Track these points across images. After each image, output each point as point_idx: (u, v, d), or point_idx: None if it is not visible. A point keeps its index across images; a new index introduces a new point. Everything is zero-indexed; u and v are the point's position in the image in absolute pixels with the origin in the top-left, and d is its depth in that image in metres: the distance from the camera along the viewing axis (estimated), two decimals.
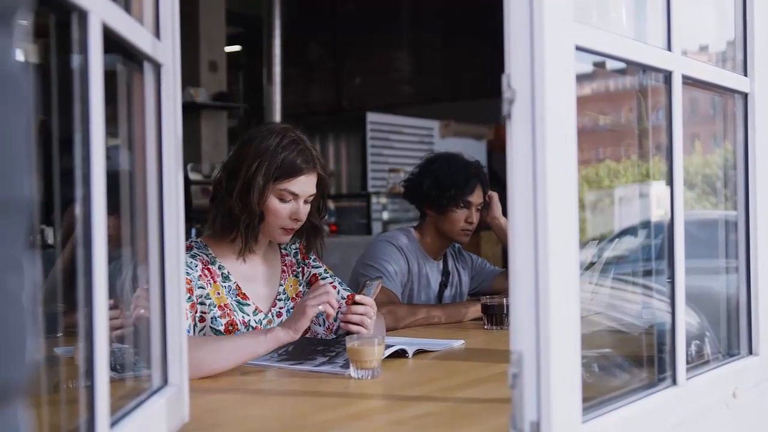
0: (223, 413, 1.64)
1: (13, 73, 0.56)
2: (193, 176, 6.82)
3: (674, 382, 1.51)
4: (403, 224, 6.64)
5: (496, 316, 2.65)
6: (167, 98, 1.37)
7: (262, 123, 2.36)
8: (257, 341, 1.96)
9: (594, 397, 1.33)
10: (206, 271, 2.16)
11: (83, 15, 1.00)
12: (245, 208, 2.16)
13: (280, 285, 2.33)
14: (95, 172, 1.01)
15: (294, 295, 2.35)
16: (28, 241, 0.60)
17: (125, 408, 1.20)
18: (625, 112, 2.07)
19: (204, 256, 2.19)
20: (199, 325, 2.12)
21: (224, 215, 2.20)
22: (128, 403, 1.24)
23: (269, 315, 2.27)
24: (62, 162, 1.04)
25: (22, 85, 0.57)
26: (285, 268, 2.37)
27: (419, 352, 2.17)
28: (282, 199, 2.18)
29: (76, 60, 1.02)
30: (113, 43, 1.12)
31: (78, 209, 1.01)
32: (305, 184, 2.20)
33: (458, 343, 2.34)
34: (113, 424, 1.08)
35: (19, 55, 0.58)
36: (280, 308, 2.31)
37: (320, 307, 1.96)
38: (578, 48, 1.25)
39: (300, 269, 2.40)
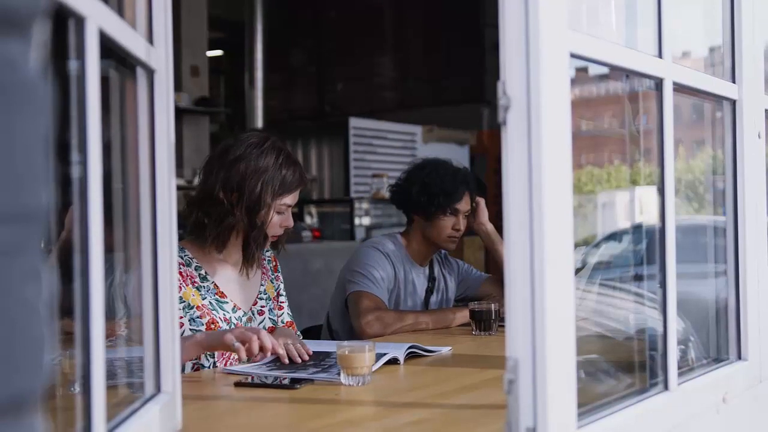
0: (215, 421, 1.63)
1: (31, 82, 0.56)
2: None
3: (666, 387, 1.52)
4: (386, 230, 6.63)
5: (484, 322, 2.65)
6: (160, 104, 1.36)
7: (245, 133, 2.40)
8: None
9: (588, 403, 1.33)
10: (179, 274, 2.18)
11: (80, 21, 0.99)
12: (253, 227, 2.25)
13: (261, 285, 2.42)
14: (92, 178, 1.00)
15: (273, 296, 2.45)
16: (45, 250, 0.60)
17: (120, 416, 1.19)
18: (608, 118, 2.08)
19: (178, 258, 2.21)
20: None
21: (226, 231, 2.26)
22: (121, 410, 1.23)
23: (249, 313, 2.35)
24: (56, 167, 1.03)
25: (40, 93, 0.57)
26: (264, 270, 2.46)
27: (410, 357, 2.17)
28: (279, 212, 2.30)
29: (72, 65, 1.01)
30: (107, 48, 1.11)
31: (75, 215, 1.00)
32: (297, 196, 2.34)
33: (446, 350, 2.35)
34: None
35: (37, 63, 0.58)
36: (262, 306, 2.40)
37: (236, 344, 1.96)
38: (572, 55, 1.25)
39: (275, 276, 2.51)
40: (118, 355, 1.44)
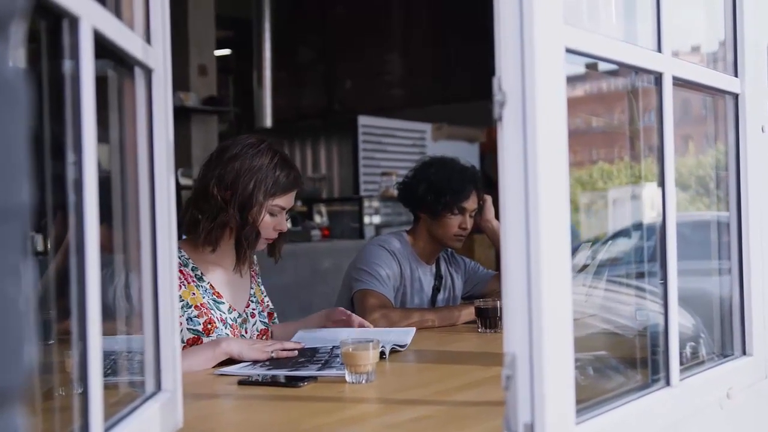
0: (216, 419, 1.63)
1: (10, 80, 0.56)
2: (183, 181, 6.79)
3: (668, 382, 1.51)
4: (396, 228, 6.63)
5: (490, 319, 2.65)
6: (158, 104, 1.37)
7: (241, 135, 2.42)
8: (206, 358, 2.08)
9: (588, 399, 1.33)
10: (179, 274, 2.20)
11: (74, 21, 0.99)
12: (244, 224, 2.27)
13: (251, 288, 2.46)
14: (87, 178, 1.01)
15: (260, 300, 2.48)
16: (26, 247, 0.60)
17: (119, 414, 1.19)
18: (618, 114, 2.08)
19: (176, 258, 2.23)
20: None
21: (219, 228, 2.28)
22: (121, 408, 1.23)
23: (243, 314, 2.38)
24: (53, 168, 1.03)
25: (19, 92, 0.57)
26: (253, 274, 2.50)
27: (394, 353, 2.20)
28: (272, 214, 2.32)
29: (66, 65, 1.02)
30: (103, 48, 1.12)
31: (70, 216, 1.01)
32: (292, 199, 2.36)
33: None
34: (107, 430, 1.08)
35: (16, 62, 0.58)
36: (253, 309, 2.43)
37: (273, 354, 2.14)
38: (568, 50, 1.25)
39: (260, 279, 2.54)
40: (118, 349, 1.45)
